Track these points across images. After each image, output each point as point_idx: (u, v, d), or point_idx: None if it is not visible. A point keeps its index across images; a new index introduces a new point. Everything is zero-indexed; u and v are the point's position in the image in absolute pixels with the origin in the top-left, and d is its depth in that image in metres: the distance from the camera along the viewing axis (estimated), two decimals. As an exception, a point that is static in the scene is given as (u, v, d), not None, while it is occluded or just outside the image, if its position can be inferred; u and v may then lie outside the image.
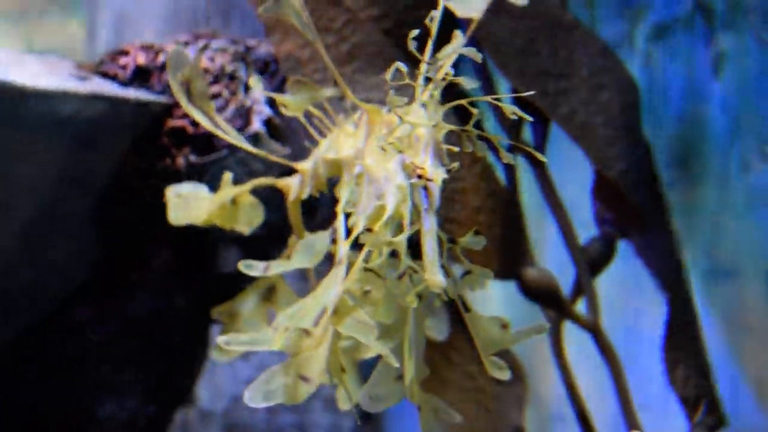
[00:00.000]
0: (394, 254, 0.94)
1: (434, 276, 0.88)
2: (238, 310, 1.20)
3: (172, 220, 1.18)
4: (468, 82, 0.95)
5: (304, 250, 1.04)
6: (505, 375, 0.99)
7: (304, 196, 1.16)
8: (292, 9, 0.96)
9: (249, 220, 1.21)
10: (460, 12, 1.03)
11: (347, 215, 1.00)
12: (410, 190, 0.93)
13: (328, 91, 1.10)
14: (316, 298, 0.96)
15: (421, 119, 0.93)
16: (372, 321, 0.94)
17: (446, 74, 0.94)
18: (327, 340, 0.94)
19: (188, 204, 1.18)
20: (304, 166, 1.15)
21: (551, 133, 1.40)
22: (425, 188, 0.91)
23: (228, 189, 1.18)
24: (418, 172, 0.91)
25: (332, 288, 0.96)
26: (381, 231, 0.94)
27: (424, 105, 0.95)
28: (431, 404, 1.02)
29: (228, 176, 1.18)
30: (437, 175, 0.91)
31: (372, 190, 0.96)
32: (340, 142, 1.08)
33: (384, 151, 0.95)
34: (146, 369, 1.35)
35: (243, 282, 1.19)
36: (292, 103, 1.07)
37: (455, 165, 0.94)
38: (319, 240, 1.04)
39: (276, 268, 1.05)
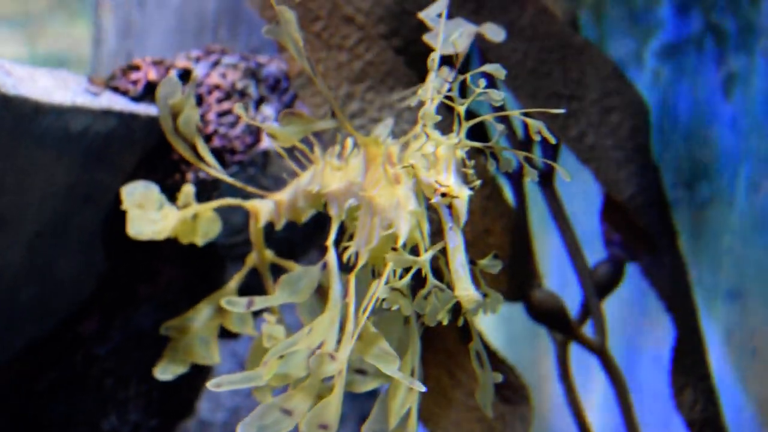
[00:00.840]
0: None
1: (467, 291, 0.86)
2: (188, 325, 1.18)
3: (132, 234, 1.13)
4: (496, 96, 0.91)
5: (289, 286, 1.02)
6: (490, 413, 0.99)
7: (279, 227, 1.15)
8: (289, 37, 0.94)
9: (206, 233, 1.19)
10: (444, 50, 1.00)
11: (338, 248, 0.99)
12: (426, 212, 0.92)
13: (323, 124, 1.05)
14: (311, 335, 0.95)
15: (440, 138, 0.91)
16: (393, 350, 0.92)
17: (476, 89, 0.91)
18: (341, 383, 0.92)
19: (150, 218, 1.15)
20: (281, 196, 1.14)
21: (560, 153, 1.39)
22: (449, 206, 0.89)
23: (193, 206, 1.16)
24: (442, 190, 0.89)
25: (333, 326, 0.94)
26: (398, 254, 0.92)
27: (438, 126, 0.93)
28: None
29: (189, 189, 1.16)
30: (462, 192, 0.89)
31: (377, 221, 0.95)
32: (326, 176, 1.05)
33: (395, 180, 0.94)
34: (150, 383, 1.35)
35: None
36: (282, 135, 1.03)
37: (478, 182, 0.92)
38: (307, 275, 1.02)
39: (260, 304, 1.03)
